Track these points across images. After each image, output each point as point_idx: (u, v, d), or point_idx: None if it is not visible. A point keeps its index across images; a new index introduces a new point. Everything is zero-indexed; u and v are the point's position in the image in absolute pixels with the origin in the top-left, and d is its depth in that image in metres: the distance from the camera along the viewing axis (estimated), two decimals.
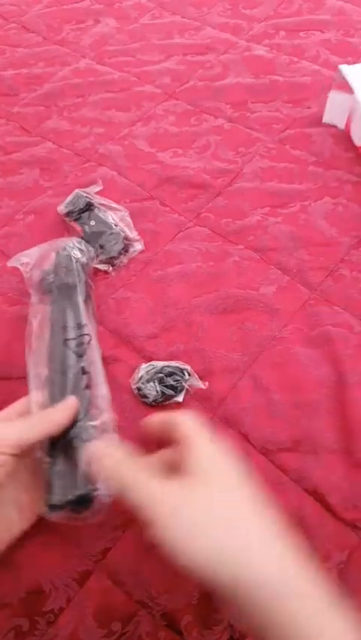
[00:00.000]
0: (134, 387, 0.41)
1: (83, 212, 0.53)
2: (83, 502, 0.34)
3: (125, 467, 0.30)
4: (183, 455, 0.30)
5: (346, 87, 0.57)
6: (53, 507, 0.33)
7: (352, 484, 0.39)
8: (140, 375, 0.41)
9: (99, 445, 0.34)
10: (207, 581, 0.26)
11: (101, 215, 0.52)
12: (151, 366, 0.40)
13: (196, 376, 0.43)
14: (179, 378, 0.42)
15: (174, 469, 0.30)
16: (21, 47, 0.75)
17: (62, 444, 0.35)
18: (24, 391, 0.43)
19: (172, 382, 0.41)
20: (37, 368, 0.39)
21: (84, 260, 0.45)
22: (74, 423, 0.35)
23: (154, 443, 0.34)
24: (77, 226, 0.53)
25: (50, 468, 0.34)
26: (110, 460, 0.31)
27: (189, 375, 0.42)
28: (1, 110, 0.67)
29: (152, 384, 0.39)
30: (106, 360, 0.43)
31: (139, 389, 0.40)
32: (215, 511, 0.28)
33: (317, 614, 0.26)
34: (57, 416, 0.35)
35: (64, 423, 0.34)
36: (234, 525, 0.28)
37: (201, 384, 0.42)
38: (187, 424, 0.32)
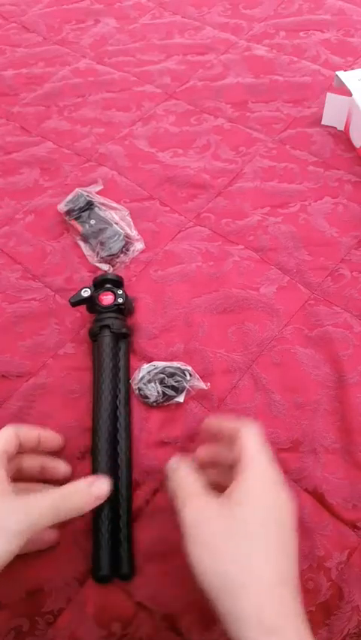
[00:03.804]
0: (135, 387, 0.41)
1: (83, 211, 0.53)
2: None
3: (180, 475, 0.31)
4: (236, 471, 0.30)
5: (344, 90, 0.57)
6: (101, 579, 0.35)
7: (352, 484, 0.39)
8: (141, 376, 0.41)
9: (174, 460, 0.33)
10: (209, 600, 0.27)
11: (101, 213, 0.52)
12: (152, 367, 0.40)
13: (198, 377, 0.43)
14: (180, 378, 0.42)
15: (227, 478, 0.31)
16: (21, 47, 0.75)
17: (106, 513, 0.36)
18: (22, 390, 0.44)
19: (173, 383, 0.41)
20: None
21: None
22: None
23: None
24: (76, 225, 0.53)
25: (96, 537, 0.35)
26: (175, 474, 0.32)
27: (191, 375, 0.42)
28: (1, 110, 0.67)
29: (153, 384, 0.39)
30: None
31: (140, 389, 0.40)
32: (233, 539, 0.27)
33: None
34: (78, 501, 0.31)
35: (85, 509, 0.31)
36: (244, 558, 0.27)
37: (203, 385, 0.42)
38: (251, 439, 0.31)
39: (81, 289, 0.45)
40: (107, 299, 0.44)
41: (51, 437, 0.39)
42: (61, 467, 0.38)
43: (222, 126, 0.62)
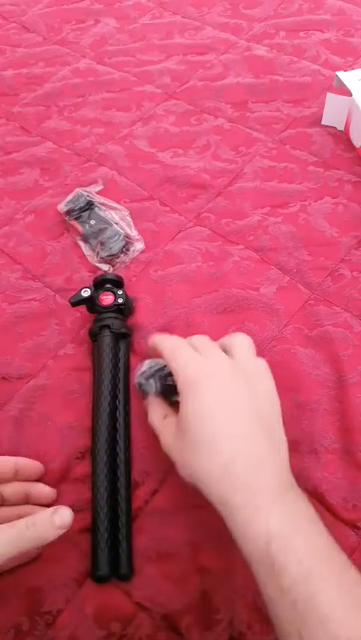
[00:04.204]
0: (135, 381, 0.41)
1: (83, 211, 0.53)
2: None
3: (154, 414, 0.37)
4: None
5: (344, 90, 0.57)
6: (99, 578, 0.35)
7: (352, 484, 0.39)
8: (142, 371, 0.40)
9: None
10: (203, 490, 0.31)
11: (101, 213, 0.52)
12: (154, 363, 0.40)
13: None
14: None
15: None
16: (21, 47, 0.75)
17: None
18: (22, 391, 0.44)
19: (172, 382, 0.41)
20: None
21: None
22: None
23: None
24: (76, 225, 0.53)
25: (95, 537, 0.35)
26: (150, 410, 0.38)
27: None
28: (1, 110, 0.67)
29: (152, 380, 0.39)
30: None
31: (140, 384, 0.40)
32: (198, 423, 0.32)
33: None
34: (41, 532, 0.30)
35: (49, 539, 0.30)
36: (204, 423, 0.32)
37: None
38: (165, 342, 0.37)
39: (81, 289, 0.45)
40: (107, 299, 0.44)
41: (30, 465, 0.38)
42: (44, 491, 0.37)
43: (222, 126, 0.62)
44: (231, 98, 0.65)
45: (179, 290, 0.49)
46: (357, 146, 0.58)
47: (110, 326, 0.43)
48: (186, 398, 0.33)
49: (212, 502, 0.31)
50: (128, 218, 0.54)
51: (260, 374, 0.36)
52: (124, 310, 0.45)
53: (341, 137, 0.60)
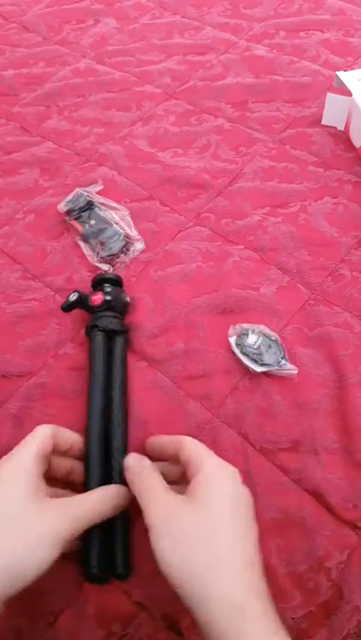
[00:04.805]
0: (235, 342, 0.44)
1: (83, 211, 0.53)
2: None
3: (145, 475, 0.34)
4: (190, 473, 0.32)
5: (344, 90, 0.57)
6: (92, 578, 0.34)
7: (352, 484, 0.39)
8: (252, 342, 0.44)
9: (133, 456, 0.36)
10: (177, 590, 0.28)
11: (101, 213, 0.52)
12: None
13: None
14: (272, 356, 0.43)
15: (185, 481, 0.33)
16: (21, 47, 0.75)
17: None
18: (22, 390, 0.44)
19: (262, 357, 0.43)
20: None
21: None
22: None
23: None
24: (76, 225, 0.53)
25: (87, 535, 0.34)
26: (136, 469, 0.34)
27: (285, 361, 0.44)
28: (1, 110, 0.67)
29: (255, 337, 0.43)
30: None
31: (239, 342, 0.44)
32: (200, 530, 0.30)
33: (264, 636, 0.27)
34: (110, 504, 0.33)
35: (114, 514, 0.33)
36: (211, 547, 0.29)
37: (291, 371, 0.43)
38: (194, 446, 0.34)
39: (69, 295, 0.45)
40: (97, 299, 0.44)
41: (82, 443, 0.38)
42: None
43: (223, 126, 0.62)
44: (231, 98, 0.65)
45: (179, 290, 0.49)
46: (357, 146, 0.58)
47: (99, 325, 0.43)
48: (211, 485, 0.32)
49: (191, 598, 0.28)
50: (128, 218, 0.54)
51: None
52: (115, 308, 0.45)
53: (341, 137, 0.60)
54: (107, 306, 0.44)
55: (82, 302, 0.45)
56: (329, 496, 0.38)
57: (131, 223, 0.53)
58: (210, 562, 0.28)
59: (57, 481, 0.36)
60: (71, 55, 0.73)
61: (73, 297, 0.45)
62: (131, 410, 0.42)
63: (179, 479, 0.35)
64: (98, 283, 0.46)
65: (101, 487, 0.35)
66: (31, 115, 0.65)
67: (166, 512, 0.31)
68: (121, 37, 0.75)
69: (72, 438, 0.37)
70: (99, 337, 0.43)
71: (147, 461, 0.35)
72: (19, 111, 0.66)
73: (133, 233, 0.52)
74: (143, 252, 0.52)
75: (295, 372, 0.43)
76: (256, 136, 0.61)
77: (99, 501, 0.33)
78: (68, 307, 0.45)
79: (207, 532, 0.29)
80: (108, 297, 0.44)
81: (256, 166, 0.58)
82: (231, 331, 0.45)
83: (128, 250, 0.51)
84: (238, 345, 0.44)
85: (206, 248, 0.52)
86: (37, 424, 0.40)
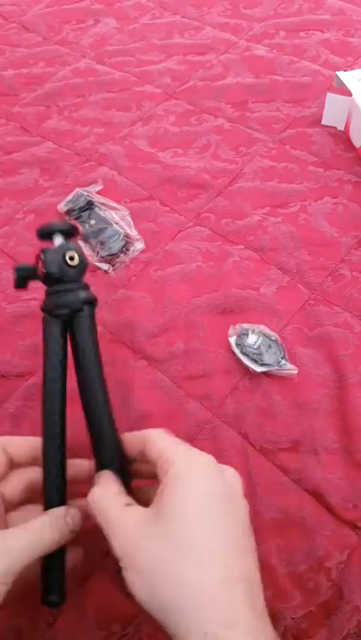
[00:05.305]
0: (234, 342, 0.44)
1: (83, 211, 0.53)
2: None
3: (105, 510, 0.28)
4: (160, 474, 0.28)
5: (344, 90, 0.57)
6: (52, 604, 0.30)
7: (352, 484, 0.39)
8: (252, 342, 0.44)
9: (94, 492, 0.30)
10: (156, 620, 0.25)
11: (101, 213, 0.52)
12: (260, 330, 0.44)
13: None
14: (273, 356, 0.43)
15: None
16: (21, 47, 0.75)
17: None
18: (21, 389, 0.44)
19: (262, 357, 0.43)
20: None
21: None
22: None
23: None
24: (76, 225, 0.52)
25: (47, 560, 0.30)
26: (92, 498, 0.29)
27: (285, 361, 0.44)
28: (1, 110, 0.67)
29: (255, 337, 0.42)
30: (105, 361, 0.43)
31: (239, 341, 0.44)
32: (164, 555, 0.26)
33: None
34: (51, 536, 0.28)
35: (61, 543, 0.29)
36: (178, 569, 0.25)
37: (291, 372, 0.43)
38: (161, 442, 0.29)
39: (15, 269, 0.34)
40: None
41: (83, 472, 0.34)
42: (84, 466, 0.33)
43: (223, 126, 0.62)
44: (231, 98, 0.65)
45: (179, 290, 0.49)
46: (357, 146, 0.58)
47: (45, 309, 0.33)
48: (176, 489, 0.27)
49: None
50: (128, 218, 0.54)
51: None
52: (64, 277, 0.32)
53: (341, 137, 0.60)
54: (46, 278, 0.32)
55: (32, 275, 0.34)
56: (329, 496, 0.38)
57: (131, 223, 0.53)
58: (179, 593, 0.25)
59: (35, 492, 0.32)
60: (71, 55, 0.73)
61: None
62: (130, 410, 0.42)
63: (156, 474, 0.30)
64: (45, 236, 0.33)
65: (47, 511, 0.30)
66: (31, 115, 0.65)
67: (127, 543, 0.27)
68: (121, 37, 0.75)
69: (33, 443, 0.33)
70: (52, 326, 0.32)
71: (103, 488, 0.29)
72: (19, 111, 0.66)
73: (133, 233, 0.52)
74: (143, 251, 0.52)
75: (295, 372, 0.43)
76: (256, 136, 0.61)
77: (38, 530, 0.28)
78: (19, 284, 0.35)
79: (175, 554, 0.25)
80: (50, 269, 0.31)
81: (256, 166, 0.58)
82: (231, 331, 0.45)
83: (128, 250, 0.51)
84: (238, 345, 0.44)
85: (206, 248, 0.52)
86: (36, 424, 0.40)
